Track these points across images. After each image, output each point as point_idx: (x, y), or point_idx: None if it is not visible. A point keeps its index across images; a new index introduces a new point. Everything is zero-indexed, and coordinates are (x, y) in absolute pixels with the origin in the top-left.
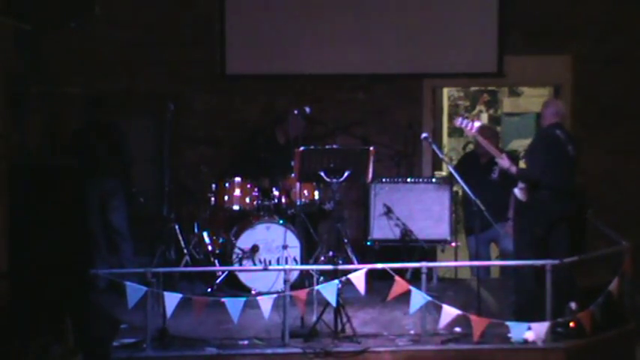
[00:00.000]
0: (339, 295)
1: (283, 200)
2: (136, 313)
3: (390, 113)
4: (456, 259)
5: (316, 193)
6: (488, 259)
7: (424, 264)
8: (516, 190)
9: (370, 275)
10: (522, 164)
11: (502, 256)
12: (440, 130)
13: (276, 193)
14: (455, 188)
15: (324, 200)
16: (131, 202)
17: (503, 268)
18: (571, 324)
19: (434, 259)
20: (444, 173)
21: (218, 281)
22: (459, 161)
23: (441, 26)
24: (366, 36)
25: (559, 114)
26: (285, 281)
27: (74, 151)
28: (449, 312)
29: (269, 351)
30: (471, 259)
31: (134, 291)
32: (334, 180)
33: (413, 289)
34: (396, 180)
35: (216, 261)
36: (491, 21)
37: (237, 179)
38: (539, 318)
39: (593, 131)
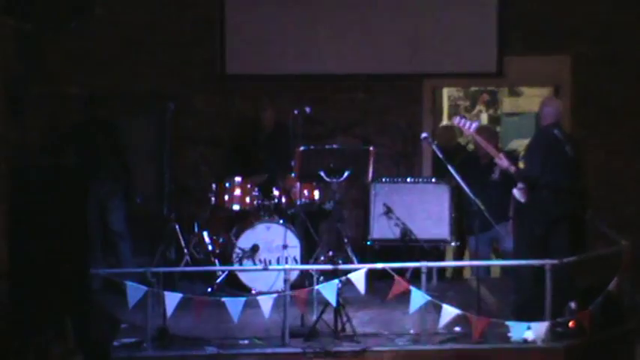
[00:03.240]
0: (339, 294)
1: (283, 200)
2: (136, 313)
3: (390, 113)
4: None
5: (316, 193)
6: (489, 259)
7: (424, 264)
8: (515, 191)
9: (370, 275)
10: (522, 165)
11: (504, 256)
12: None
13: (276, 193)
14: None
15: (324, 200)
16: (129, 201)
17: (503, 268)
18: (570, 324)
19: (442, 259)
20: None
21: (218, 281)
22: (460, 162)
23: (440, 26)
24: (366, 36)
25: (557, 114)
26: (285, 281)
27: (73, 148)
28: (449, 312)
29: (269, 351)
30: (472, 259)
31: (134, 291)
32: (334, 180)
33: (413, 289)
34: (396, 180)
35: (216, 261)
36: (491, 21)
37: (237, 179)
38: (539, 318)
39: (593, 131)
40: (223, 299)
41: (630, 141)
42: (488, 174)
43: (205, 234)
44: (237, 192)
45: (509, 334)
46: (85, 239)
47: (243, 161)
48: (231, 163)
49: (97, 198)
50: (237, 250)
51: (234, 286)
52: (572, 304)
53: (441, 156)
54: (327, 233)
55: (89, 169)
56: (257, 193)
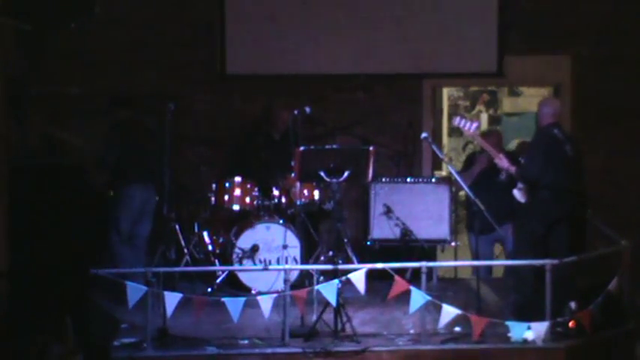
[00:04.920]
0: (339, 294)
1: (283, 200)
2: (136, 313)
3: (390, 113)
4: (455, 259)
5: (316, 193)
6: (492, 258)
7: (424, 264)
8: (515, 191)
9: (370, 275)
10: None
11: (508, 256)
12: (440, 130)
13: (276, 193)
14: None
15: (324, 200)
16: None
17: (506, 267)
18: (571, 324)
19: (434, 259)
20: (444, 173)
21: (218, 281)
22: (465, 162)
23: (440, 26)
24: (366, 36)
25: (555, 114)
26: (285, 281)
27: (118, 146)
28: (449, 312)
29: (269, 351)
30: (473, 258)
31: (134, 291)
32: (334, 180)
33: (413, 289)
34: (396, 180)
35: (216, 261)
36: (491, 21)
37: (237, 179)
38: (539, 318)
39: (592, 131)
40: (223, 299)
41: (630, 141)
42: (495, 175)
43: (205, 234)
44: (237, 192)
45: (509, 334)
46: (86, 239)
47: (251, 162)
48: (237, 163)
49: (143, 201)
50: (237, 250)
51: (234, 286)
52: (573, 304)
53: (441, 156)
54: (327, 233)
55: (136, 170)
56: (257, 193)
